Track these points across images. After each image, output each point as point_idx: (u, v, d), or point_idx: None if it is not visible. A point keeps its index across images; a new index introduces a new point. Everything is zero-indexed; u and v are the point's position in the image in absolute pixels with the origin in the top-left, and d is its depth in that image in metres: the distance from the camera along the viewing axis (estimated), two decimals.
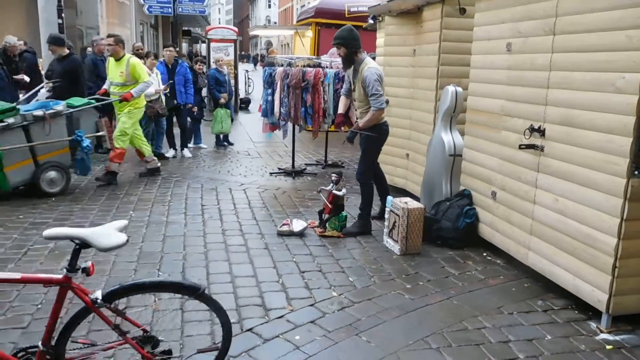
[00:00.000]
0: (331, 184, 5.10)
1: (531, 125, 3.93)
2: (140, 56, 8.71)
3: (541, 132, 3.85)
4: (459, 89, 5.21)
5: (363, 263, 4.36)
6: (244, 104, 16.55)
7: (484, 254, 4.58)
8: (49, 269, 3.98)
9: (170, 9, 15.25)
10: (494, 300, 3.72)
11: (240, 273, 4.05)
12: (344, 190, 5.12)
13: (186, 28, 29.12)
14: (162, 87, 8.39)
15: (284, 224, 5.04)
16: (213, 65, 10.69)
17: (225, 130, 9.74)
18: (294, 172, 7.65)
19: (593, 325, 3.37)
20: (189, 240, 4.74)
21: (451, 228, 4.71)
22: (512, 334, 3.24)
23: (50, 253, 4.32)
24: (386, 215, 4.81)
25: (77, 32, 14.29)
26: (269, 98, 7.72)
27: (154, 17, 24.52)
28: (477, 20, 4.80)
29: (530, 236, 3.99)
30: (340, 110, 5.49)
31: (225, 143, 10.03)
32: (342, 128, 5.54)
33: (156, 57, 8.57)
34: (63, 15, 11.33)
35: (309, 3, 29.50)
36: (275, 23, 61.44)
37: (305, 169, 7.94)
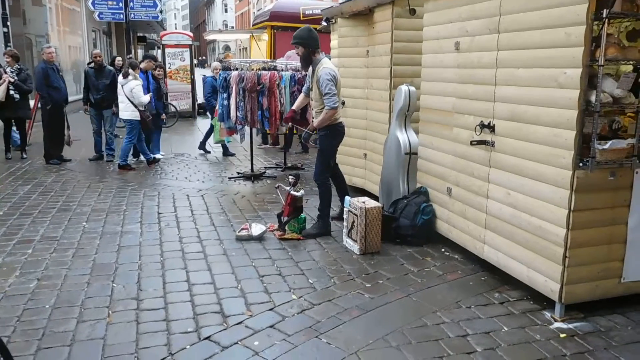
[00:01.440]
0: (289, 186, 5.07)
1: (481, 121, 4.00)
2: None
3: (491, 128, 3.93)
4: (412, 88, 5.28)
5: (323, 264, 4.35)
6: (202, 109, 16.32)
7: (442, 250, 4.64)
8: None
9: (122, 15, 14.91)
10: (453, 295, 3.77)
11: (197, 280, 3.98)
12: (302, 192, 5.10)
13: (141, 34, 28.56)
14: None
15: (242, 229, 4.98)
16: (209, 73, 10.33)
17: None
18: (253, 176, 7.59)
19: (547, 314, 3.45)
20: (145, 250, 4.62)
21: (409, 225, 4.76)
22: (470, 328, 3.28)
23: None
24: (345, 216, 4.82)
25: (26, 41, 13.86)
26: (225, 102, 7.64)
27: (106, 24, 23.97)
28: (426, 21, 4.87)
29: (485, 230, 4.06)
30: (294, 106, 5.49)
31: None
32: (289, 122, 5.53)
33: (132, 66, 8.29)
34: (8, 23, 10.94)
35: (265, 7, 29.43)
36: (232, 27, 61.03)
37: (264, 172, 7.89)
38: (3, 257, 4.40)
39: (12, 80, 8.39)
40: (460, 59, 4.34)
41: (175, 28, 77.27)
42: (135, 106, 8.03)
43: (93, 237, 4.95)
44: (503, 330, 3.26)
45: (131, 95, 7.96)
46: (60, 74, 8.71)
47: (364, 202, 4.65)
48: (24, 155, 8.85)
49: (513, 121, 3.72)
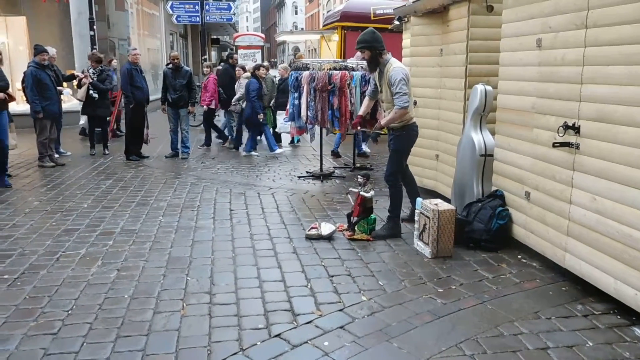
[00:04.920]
0: (359, 187, 5.03)
1: (565, 122, 3.79)
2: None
3: (576, 129, 3.70)
4: (489, 88, 5.09)
5: (393, 266, 4.27)
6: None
7: (519, 257, 4.44)
8: (79, 275, 4.03)
9: (198, 18, 15.47)
10: (530, 304, 3.58)
11: (268, 278, 4.02)
12: (372, 192, 5.04)
13: (215, 36, 29.49)
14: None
15: (312, 228, 4.99)
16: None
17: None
18: (322, 176, 7.60)
19: (638, 331, 3.21)
20: (217, 245, 4.73)
21: (484, 230, 4.59)
22: (551, 340, 3.10)
23: (81, 259, 4.36)
24: (416, 218, 4.71)
25: (109, 44, 14.62)
26: (296, 102, 7.70)
27: (183, 27, 24.91)
28: (505, 17, 4.67)
29: (567, 237, 3.84)
30: (361, 112, 5.43)
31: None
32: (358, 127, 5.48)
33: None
34: (95, 27, 11.58)
35: (334, 8, 29.54)
36: (302, 29, 61.72)
37: (333, 172, 7.89)
38: (87, 247, 4.64)
39: (91, 80, 8.88)
40: (542, 57, 4.13)
41: (247, 30, 79.21)
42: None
43: (169, 231, 5.13)
44: (587, 345, 3.06)
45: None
46: (143, 74, 9.13)
47: (436, 204, 4.53)
48: (106, 152, 9.34)
49: (601, 122, 3.49)
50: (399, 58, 5.92)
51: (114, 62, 11.57)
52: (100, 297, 3.66)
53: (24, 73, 8.19)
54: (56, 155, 8.61)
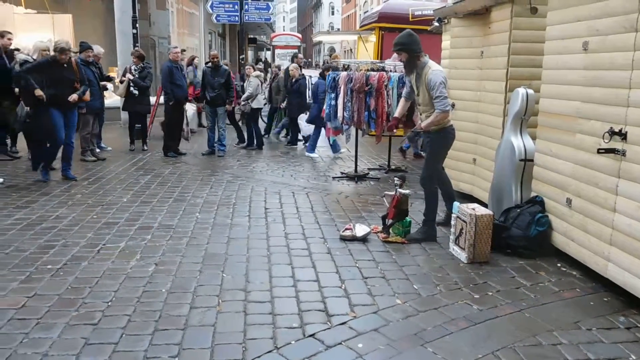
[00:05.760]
0: (396, 188, 5.00)
1: (611, 128, 3.68)
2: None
3: (622, 135, 3.59)
4: (530, 91, 4.98)
5: (428, 270, 4.23)
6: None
7: (558, 265, 4.33)
8: (119, 268, 4.12)
9: (237, 17, 15.63)
10: (570, 314, 3.49)
11: (302, 277, 4.03)
12: (408, 191, 5.00)
13: (252, 36, 29.78)
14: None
15: (346, 229, 4.99)
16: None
17: None
18: (356, 177, 7.59)
19: None
20: (252, 243, 4.78)
21: (522, 236, 4.49)
22: (592, 352, 3.02)
23: (120, 252, 4.47)
24: (452, 222, 4.65)
25: (150, 42, 14.93)
26: (333, 102, 7.71)
27: (221, 26, 25.22)
28: (550, 19, 4.57)
29: (610, 246, 3.72)
30: (397, 114, 5.40)
31: None
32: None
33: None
34: (137, 25, 11.84)
35: (372, 8, 29.43)
36: (338, 29, 61.75)
37: (368, 173, 7.86)
38: (126, 240, 4.75)
39: (131, 77, 9.09)
40: (587, 60, 4.03)
41: (284, 30, 79.67)
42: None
43: (205, 227, 5.20)
44: (630, 358, 2.97)
45: None
46: (183, 72, 9.29)
47: (473, 209, 4.46)
48: (145, 148, 9.54)
49: None
50: (437, 60, 5.86)
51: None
52: (139, 290, 3.73)
53: None
54: (97, 150, 8.85)
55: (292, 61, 12.22)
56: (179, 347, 3.02)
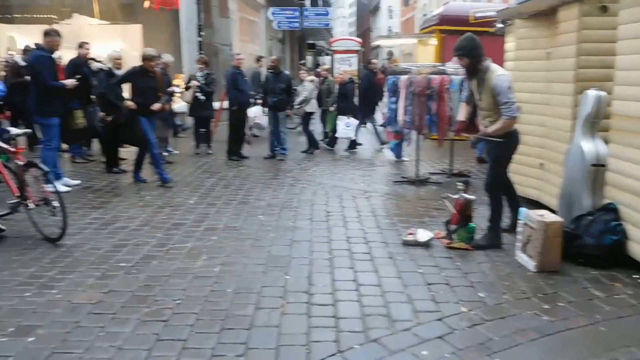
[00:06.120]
0: (459, 193, 4.90)
1: None
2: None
3: None
4: (603, 94, 4.76)
5: (494, 278, 4.12)
6: None
7: (634, 276, 4.11)
8: (187, 267, 4.26)
9: (297, 24, 15.85)
10: None
11: (365, 281, 4.03)
12: (473, 197, 4.90)
13: (310, 41, 30.09)
14: None
15: (409, 234, 4.94)
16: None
17: None
18: (417, 181, 7.50)
19: None
20: (314, 246, 4.81)
21: (595, 245, 4.30)
22: None
23: (188, 252, 4.62)
24: (520, 229, 4.51)
25: (213, 49, 15.38)
26: (393, 106, 7.67)
27: (281, 33, 25.65)
28: (623, 18, 4.36)
29: None
30: (461, 117, 5.29)
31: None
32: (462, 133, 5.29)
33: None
34: (202, 33, 12.23)
35: (431, 11, 29.06)
36: (396, 33, 61.32)
37: (429, 178, 7.75)
38: (193, 241, 4.90)
39: (197, 84, 9.38)
40: None
41: (342, 35, 79.89)
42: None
43: (268, 229, 5.29)
44: None
45: None
46: (245, 78, 9.51)
47: (542, 215, 4.31)
48: (210, 151, 9.82)
49: None
50: (500, 62, 5.70)
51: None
52: (206, 290, 3.85)
53: None
54: (165, 154, 9.18)
55: (366, 67, 12.33)
56: (244, 347, 3.09)
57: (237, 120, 9.27)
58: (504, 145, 4.82)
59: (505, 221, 5.16)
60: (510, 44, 6.70)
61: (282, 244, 4.88)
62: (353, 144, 10.53)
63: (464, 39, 4.77)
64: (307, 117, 10.18)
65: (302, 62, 16.20)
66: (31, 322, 3.33)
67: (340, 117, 10.28)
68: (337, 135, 10.46)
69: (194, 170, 8.38)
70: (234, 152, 9.30)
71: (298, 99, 9.99)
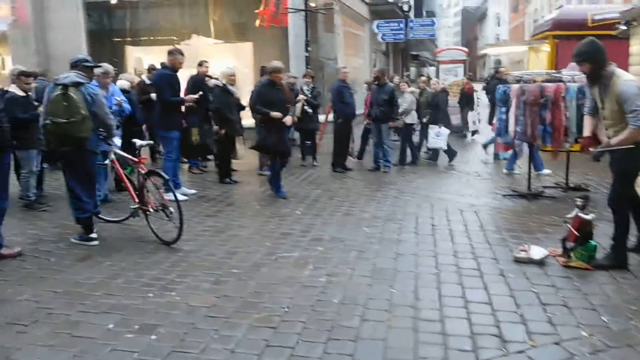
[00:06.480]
0: (576, 209, 4.58)
1: None
2: None
3: None
4: None
5: (618, 301, 3.79)
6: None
7: None
8: (294, 276, 4.37)
9: (402, 35, 15.80)
10: None
11: (473, 298, 3.88)
12: (591, 215, 4.55)
13: (414, 52, 29.79)
14: None
15: (521, 250, 4.69)
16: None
17: None
18: (529, 195, 7.12)
19: None
20: (420, 260, 4.73)
21: None
22: None
23: (295, 261, 4.74)
24: None
25: (319, 63, 15.75)
26: (503, 117, 7.37)
27: (385, 45, 25.68)
28: None
29: None
30: (587, 132, 4.89)
31: None
32: (589, 149, 4.90)
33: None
34: (309, 48, 12.59)
35: (543, 17, 27.56)
36: (505, 41, 58.91)
37: (542, 192, 7.32)
38: (299, 251, 5.02)
39: (306, 98, 9.64)
40: None
41: (446, 45, 78.34)
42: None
43: (373, 241, 5.29)
44: None
45: None
46: (351, 91, 9.63)
47: None
48: (315, 163, 10.04)
49: None
50: (624, 68, 5.25)
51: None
52: (312, 299, 3.92)
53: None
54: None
55: (494, 76, 12.07)
56: (351, 358, 3.10)
57: (342, 132, 9.39)
58: (632, 157, 4.43)
59: (632, 240, 4.73)
60: (635, 47, 6.19)
61: (387, 256, 4.84)
62: (451, 154, 10.21)
63: (585, 43, 4.48)
64: (407, 129, 10.06)
65: (407, 73, 16.07)
66: (153, 321, 3.59)
67: (431, 126, 10.07)
68: (428, 145, 10.25)
69: (300, 182, 8.60)
70: (339, 164, 9.42)
71: (400, 110, 9.93)
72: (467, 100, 14.01)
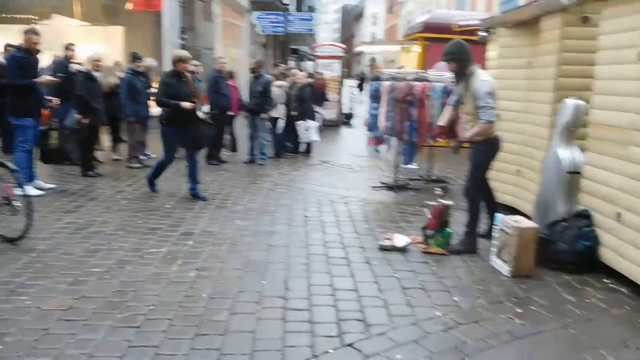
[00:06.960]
0: (437, 199, 4.94)
1: None
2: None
3: None
4: (581, 103, 4.84)
5: (468, 283, 4.15)
6: (347, 119, 16.74)
7: (605, 281, 4.18)
8: (161, 272, 4.21)
9: (282, 28, 15.87)
10: (619, 332, 3.36)
11: (341, 286, 4.02)
12: (450, 202, 4.93)
13: (293, 47, 30.11)
14: None
15: (386, 239, 4.95)
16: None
17: None
18: (396, 187, 7.53)
19: None
20: (291, 251, 4.80)
21: (568, 250, 4.36)
22: None
23: (163, 257, 4.56)
24: (495, 234, 4.55)
25: (195, 53, 15.29)
26: (374, 112, 7.70)
27: (264, 37, 25.63)
28: (604, 29, 4.44)
29: None
30: (442, 122, 5.32)
31: None
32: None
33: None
34: (184, 36, 12.16)
35: (415, 19, 29.33)
36: (380, 40, 61.67)
37: (408, 184, 7.79)
38: (168, 246, 4.84)
39: None
40: None
41: (325, 41, 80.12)
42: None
43: (245, 234, 5.26)
44: None
45: None
46: (227, 82, 9.45)
47: (517, 221, 4.36)
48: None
49: None
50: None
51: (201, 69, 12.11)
52: (180, 295, 3.80)
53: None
54: (143, 157, 9.08)
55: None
56: (218, 353, 3.06)
57: (218, 124, 9.19)
58: (484, 151, 4.88)
59: (482, 227, 5.21)
60: (492, 52, 6.78)
61: (259, 248, 4.85)
62: (286, 148, 10.30)
63: (453, 43, 4.86)
64: (273, 122, 10.08)
65: (283, 66, 16.18)
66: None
67: (297, 123, 10.11)
68: (299, 140, 10.36)
69: (172, 175, 8.26)
70: (213, 156, 9.23)
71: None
72: (317, 98, 12.03)
